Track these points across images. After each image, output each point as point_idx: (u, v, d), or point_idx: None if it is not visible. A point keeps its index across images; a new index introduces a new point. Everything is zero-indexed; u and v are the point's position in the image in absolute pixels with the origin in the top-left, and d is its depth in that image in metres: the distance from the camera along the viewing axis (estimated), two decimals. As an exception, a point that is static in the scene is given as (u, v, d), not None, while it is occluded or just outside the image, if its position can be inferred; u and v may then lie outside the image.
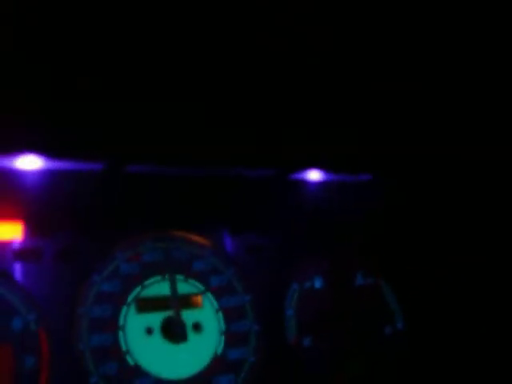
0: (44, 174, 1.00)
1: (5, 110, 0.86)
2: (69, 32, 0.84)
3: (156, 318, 1.07)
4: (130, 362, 1.02)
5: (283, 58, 0.98)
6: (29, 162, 0.96)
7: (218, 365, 1.08)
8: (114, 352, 1.03)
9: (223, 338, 1.10)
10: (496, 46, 0.98)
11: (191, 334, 1.08)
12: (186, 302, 1.09)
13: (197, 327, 1.09)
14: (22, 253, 1.02)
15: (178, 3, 0.85)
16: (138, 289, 1.08)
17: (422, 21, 0.94)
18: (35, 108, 0.88)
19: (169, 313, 1.08)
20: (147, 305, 1.07)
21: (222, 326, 1.11)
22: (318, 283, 1.21)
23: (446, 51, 0.98)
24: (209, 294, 1.12)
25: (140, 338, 1.05)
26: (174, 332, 1.06)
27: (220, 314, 1.12)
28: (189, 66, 0.94)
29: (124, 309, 1.06)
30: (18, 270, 1.01)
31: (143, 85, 0.94)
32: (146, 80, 0.94)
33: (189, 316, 1.09)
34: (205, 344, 1.09)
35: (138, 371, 1.02)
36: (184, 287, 1.10)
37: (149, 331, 1.06)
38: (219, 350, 1.09)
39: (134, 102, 0.94)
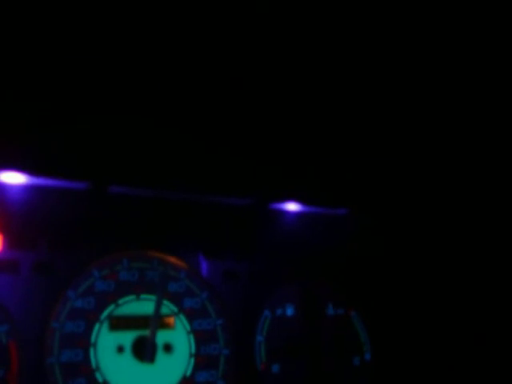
0: (26, 189, 1.01)
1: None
2: (59, 50, 0.86)
3: (128, 337, 1.08)
4: (99, 379, 1.03)
5: (269, 94, 1.01)
6: (12, 177, 0.98)
7: (187, 387, 1.09)
8: (84, 368, 1.03)
9: (193, 360, 1.11)
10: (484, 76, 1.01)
11: (161, 355, 1.09)
12: (158, 322, 1.10)
13: (167, 348, 1.10)
14: (-1, 264, 1.03)
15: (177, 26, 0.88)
16: (112, 307, 1.09)
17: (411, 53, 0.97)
18: (22, 125, 0.90)
19: (141, 332, 1.09)
20: (121, 323, 1.08)
21: (193, 348, 1.12)
22: (289, 311, 1.23)
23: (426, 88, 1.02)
24: (181, 316, 1.14)
25: (111, 355, 1.06)
26: (145, 352, 1.07)
27: (191, 336, 1.13)
28: (177, 94, 0.97)
29: (97, 326, 1.06)
30: (-7, 281, 1.02)
31: (130, 108, 0.96)
32: (132, 104, 0.96)
33: (160, 336, 1.10)
34: (174, 365, 1.10)
35: (106, 389, 1.03)
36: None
37: (120, 349, 1.07)
38: (188, 372, 1.10)
39: (120, 125, 0.96)
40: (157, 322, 1.08)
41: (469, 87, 1.03)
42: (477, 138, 1.08)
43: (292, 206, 1.17)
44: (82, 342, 1.05)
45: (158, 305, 1.09)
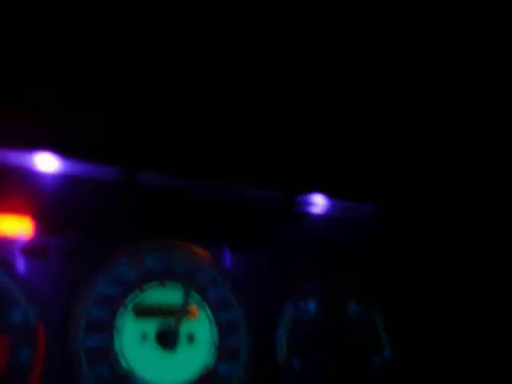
0: (59, 176, 1.04)
1: (29, 109, 0.90)
2: (90, 39, 0.88)
3: (152, 325, 1.09)
4: (123, 365, 1.04)
5: (292, 96, 1.03)
6: (46, 163, 1.00)
7: (208, 377, 1.10)
8: (108, 354, 1.04)
9: (215, 350, 1.12)
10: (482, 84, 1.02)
11: (184, 344, 1.10)
12: (184, 312, 1.11)
13: (190, 338, 1.11)
14: (29, 248, 1.05)
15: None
16: (137, 294, 1.10)
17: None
18: (59, 109, 0.92)
19: (165, 320, 1.10)
20: (146, 311, 1.09)
21: (215, 339, 1.13)
22: (311, 307, 1.23)
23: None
24: (205, 306, 1.15)
25: (134, 342, 1.07)
26: (169, 340, 1.08)
27: (214, 327, 1.14)
28: (209, 86, 0.99)
29: (121, 312, 1.08)
30: (23, 264, 1.04)
31: (163, 99, 0.98)
32: (165, 95, 0.98)
33: (184, 326, 1.11)
34: (197, 355, 1.11)
35: (129, 375, 1.04)
36: (181, 296, 1.12)
37: (143, 337, 1.08)
38: (210, 363, 1.11)
39: (154, 113, 0.98)
40: (183, 311, 1.09)
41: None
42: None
43: (319, 200, 1.17)
44: (107, 328, 1.06)
45: (186, 295, 1.10)
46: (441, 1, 0.91)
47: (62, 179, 1.03)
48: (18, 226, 1.04)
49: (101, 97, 0.91)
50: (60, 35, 0.86)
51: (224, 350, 1.13)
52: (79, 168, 1.01)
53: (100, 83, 0.90)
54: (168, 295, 1.12)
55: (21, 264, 1.04)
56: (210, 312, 1.15)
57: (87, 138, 0.93)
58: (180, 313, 1.10)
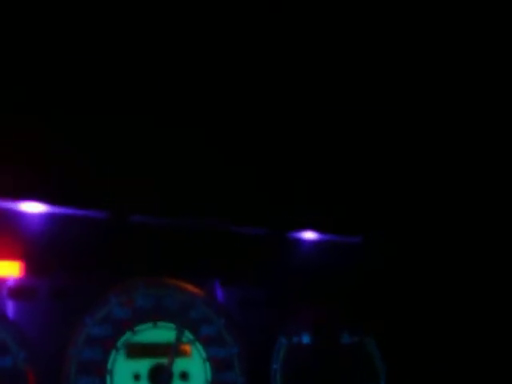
0: (46, 217, 1.02)
1: (12, 158, 0.89)
2: (72, 74, 0.87)
3: (144, 365, 1.08)
4: (116, 406, 1.03)
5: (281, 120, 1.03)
6: (34, 206, 0.99)
7: (203, 415, 1.08)
8: (101, 396, 1.03)
9: None
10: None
11: (178, 383, 1.09)
12: (176, 350, 1.10)
13: (184, 376, 1.10)
14: (18, 290, 1.03)
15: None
16: (129, 334, 1.09)
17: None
18: (41, 156, 0.91)
19: (157, 360, 1.08)
20: (138, 351, 1.08)
21: (209, 376, 1.12)
22: (305, 339, 1.22)
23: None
24: (197, 344, 1.13)
25: (127, 383, 1.05)
26: (162, 380, 1.07)
27: (207, 364, 1.12)
28: (193, 124, 0.99)
29: (113, 353, 1.06)
30: (12, 306, 1.02)
31: (148, 139, 0.98)
32: (150, 134, 0.98)
33: (177, 364, 1.09)
34: (191, 393, 1.09)
35: (123, 417, 1.02)
36: (174, 335, 1.11)
37: (136, 377, 1.06)
38: (205, 401, 1.10)
39: (138, 155, 0.98)
40: (176, 350, 1.08)
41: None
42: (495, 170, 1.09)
43: (308, 235, 1.17)
44: (99, 370, 1.04)
45: (179, 334, 1.08)
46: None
47: (49, 219, 1.02)
48: (5, 269, 1.03)
49: (87, 142, 0.90)
50: (49, 74, 0.86)
51: (218, 387, 1.12)
52: (68, 209, 1.00)
53: (86, 127, 0.89)
54: (160, 334, 1.11)
55: (9, 307, 1.02)
56: (203, 349, 1.13)
57: (74, 186, 0.93)
58: (173, 352, 1.08)
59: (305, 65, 0.96)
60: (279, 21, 0.89)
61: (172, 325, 1.12)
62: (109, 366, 1.05)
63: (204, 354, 1.13)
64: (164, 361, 1.08)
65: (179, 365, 1.10)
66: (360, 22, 0.92)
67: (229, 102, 0.98)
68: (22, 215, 0.99)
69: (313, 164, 1.08)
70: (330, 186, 1.12)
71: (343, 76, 0.96)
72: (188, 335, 1.13)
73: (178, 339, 1.09)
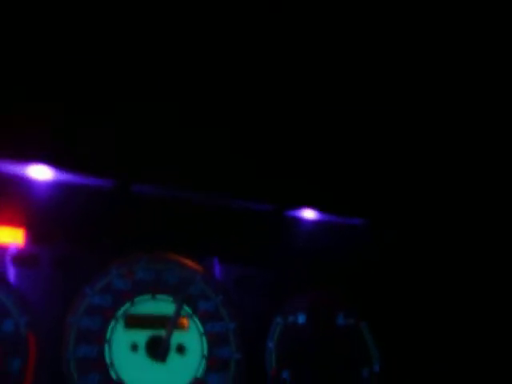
0: (51, 185, 1.04)
1: (23, 121, 0.91)
2: (87, 50, 0.89)
3: (142, 336, 1.09)
4: (113, 375, 1.04)
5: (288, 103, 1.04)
6: (39, 172, 1.01)
7: (198, 388, 1.10)
8: (98, 364, 1.05)
9: (205, 362, 1.12)
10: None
11: (174, 355, 1.11)
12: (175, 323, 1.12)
13: (180, 349, 1.12)
14: (20, 258, 1.05)
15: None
16: (128, 305, 1.11)
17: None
18: (51, 120, 0.93)
19: (155, 332, 1.10)
20: (137, 322, 1.10)
21: (205, 350, 1.13)
22: (301, 319, 1.24)
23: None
24: (195, 318, 1.15)
25: (125, 353, 1.07)
26: (159, 351, 1.09)
27: (204, 339, 1.14)
28: (201, 99, 1.00)
29: (112, 323, 1.08)
30: (14, 273, 1.04)
31: (155, 109, 1.00)
32: (158, 105, 0.99)
33: (174, 337, 1.11)
34: (186, 366, 1.11)
35: (119, 385, 1.04)
36: (172, 308, 1.13)
37: (134, 347, 1.08)
38: (199, 374, 1.11)
39: (147, 126, 1.00)
40: (174, 323, 1.10)
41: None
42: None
43: (309, 214, 1.19)
44: (98, 339, 1.06)
45: (179, 307, 1.10)
46: (441, 1, 0.92)
47: (54, 187, 1.04)
48: (9, 236, 1.05)
49: (95, 108, 0.92)
50: (57, 48, 0.88)
51: (214, 362, 1.14)
52: (72, 177, 1.02)
53: (95, 95, 0.91)
54: (159, 306, 1.13)
55: (12, 273, 1.04)
56: (200, 324, 1.15)
57: (81, 151, 0.94)
58: (171, 324, 1.10)
59: (316, 49, 0.98)
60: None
61: (170, 298, 1.14)
62: (107, 335, 1.07)
63: (201, 329, 1.15)
64: (161, 333, 1.10)
65: (176, 338, 1.12)
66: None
67: (234, 81, 0.99)
68: (26, 182, 1.00)
69: (318, 142, 1.10)
70: (335, 166, 1.13)
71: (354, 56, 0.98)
72: (186, 309, 1.15)
73: (178, 311, 1.10)
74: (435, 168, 1.14)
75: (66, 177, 1.01)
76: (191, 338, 1.14)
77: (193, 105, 0.98)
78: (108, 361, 1.05)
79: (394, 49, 0.98)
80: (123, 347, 1.07)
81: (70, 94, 0.90)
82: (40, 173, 1.00)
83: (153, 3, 0.85)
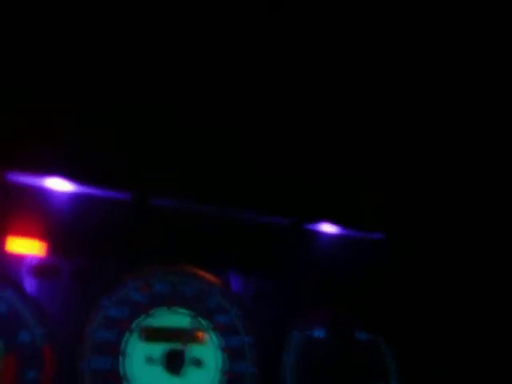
0: (71, 197, 1.05)
1: (40, 134, 0.91)
2: (105, 63, 0.90)
3: (158, 349, 1.09)
4: (129, 388, 1.04)
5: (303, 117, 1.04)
6: (58, 184, 1.01)
7: (214, 402, 1.10)
8: (114, 377, 1.04)
9: (221, 376, 1.12)
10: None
11: (191, 369, 1.10)
12: (191, 336, 1.11)
13: (197, 363, 1.11)
14: (39, 268, 1.05)
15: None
16: (144, 317, 1.10)
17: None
18: (72, 134, 0.94)
19: (171, 345, 1.10)
20: (153, 334, 1.09)
21: (222, 364, 1.13)
22: (318, 333, 1.23)
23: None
24: (212, 332, 1.14)
25: (140, 365, 1.07)
26: (176, 365, 1.08)
27: (221, 353, 1.13)
28: (218, 113, 1.00)
29: (128, 335, 1.08)
30: (32, 284, 1.04)
31: (174, 123, 1.00)
32: (178, 120, 0.99)
33: (191, 351, 1.11)
34: (203, 380, 1.10)
35: (135, 398, 1.04)
36: (188, 321, 1.12)
37: (149, 360, 1.08)
38: (216, 388, 1.11)
39: (166, 140, 1.00)
40: (190, 336, 1.09)
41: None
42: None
43: (327, 228, 1.18)
44: (114, 351, 1.06)
45: (194, 320, 1.10)
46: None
47: (74, 199, 1.04)
48: (28, 246, 1.05)
49: (114, 122, 0.92)
50: (76, 63, 0.88)
51: (230, 376, 1.13)
52: (92, 189, 1.02)
53: (113, 109, 0.91)
54: (175, 319, 1.12)
55: (30, 284, 1.04)
56: (217, 337, 1.14)
57: (100, 164, 0.95)
58: (187, 337, 1.09)
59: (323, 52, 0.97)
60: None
61: (187, 311, 1.13)
62: (122, 347, 1.07)
63: (217, 342, 1.14)
64: (177, 346, 1.10)
65: (193, 351, 1.11)
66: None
67: (248, 94, 0.99)
68: (46, 193, 1.01)
69: (338, 156, 1.09)
70: (355, 180, 1.12)
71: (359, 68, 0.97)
72: (203, 323, 1.14)
73: (193, 324, 1.10)
74: (454, 182, 1.12)
75: (85, 189, 1.01)
76: (208, 351, 1.13)
77: (212, 119, 0.98)
78: (123, 373, 1.05)
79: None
80: (139, 360, 1.07)
81: (88, 108, 0.90)
82: (59, 185, 1.01)
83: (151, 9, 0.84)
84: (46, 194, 1.01)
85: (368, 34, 0.92)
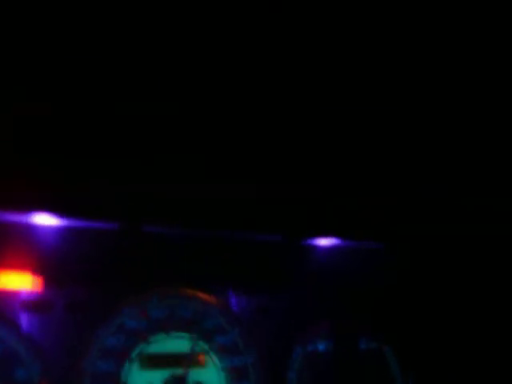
0: (58, 230, 1.02)
1: (20, 171, 0.89)
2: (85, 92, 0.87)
3: (159, 376, 1.07)
4: (131, 418, 1.02)
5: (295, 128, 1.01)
6: (44, 219, 0.99)
7: (218, 426, 1.08)
8: (116, 408, 1.02)
9: None
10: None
11: (193, 393, 1.08)
12: (192, 360, 1.09)
13: None
14: (31, 303, 1.03)
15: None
16: (143, 345, 1.08)
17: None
18: (50, 169, 0.91)
19: (172, 370, 1.07)
20: (152, 361, 1.07)
21: None
22: (321, 347, 1.21)
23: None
24: (212, 353, 1.12)
25: (142, 394, 1.05)
26: None
27: (222, 374, 1.11)
28: (206, 134, 0.98)
29: (127, 364, 1.06)
30: (26, 319, 1.02)
31: (159, 149, 0.97)
32: (160, 143, 0.97)
33: (192, 374, 1.08)
34: (206, 403, 1.08)
35: (138, 428, 1.02)
36: (188, 345, 1.10)
37: None
38: (220, 411, 1.09)
39: (150, 165, 0.97)
40: (190, 360, 1.07)
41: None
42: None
43: (326, 241, 1.16)
44: (114, 381, 1.04)
45: (193, 344, 1.08)
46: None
47: (62, 232, 1.02)
48: (19, 281, 1.03)
49: (97, 153, 0.90)
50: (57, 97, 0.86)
51: (234, 397, 1.11)
52: (80, 221, 1.00)
53: (96, 140, 0.89)
54: (174, 344, 1.10)
55: (23, 319, 1.02)
56: (217, 359, 1.12)
57: (85, 197, 0.92)
58: (187, 362, 1.07)
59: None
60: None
61: (186, 335, 1.11)
62: (123, 377, 1.04)
63: (219, 364, 1.12)
64: (179, 371, 1.07)
65: (194, 375, 1.09)
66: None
67: (244, 109, 0.97)
68: (34, 228, 0.99)
69: (331, 167, 1.07)
70: (350, 191, 1.10)
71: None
72: (203, 345, 1.12)
73: (192, 348, 1.08)
74: (453, 190, 1.10)
75: (72, 221, 0.98)
76: (210, 374, 1.11)
77: (200, 136, 0.95)
78: (125, 403, 1.03)
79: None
80: (140, 389, 1.05)
81: (71, 145, 0.87)
82: (45, 219, 0.98)
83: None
84: (32, 228, 0.99)
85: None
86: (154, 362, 1.07)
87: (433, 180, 1.08)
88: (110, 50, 0.85)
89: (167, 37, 0.85)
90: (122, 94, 0.90)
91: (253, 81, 0.94)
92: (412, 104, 1.01)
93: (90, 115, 0.90)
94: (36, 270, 1.04)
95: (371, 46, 0.94)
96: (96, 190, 0.92)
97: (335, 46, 0.93)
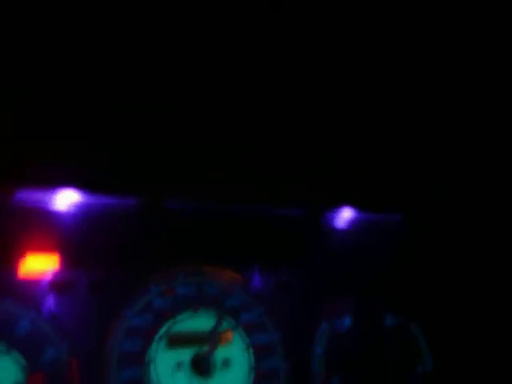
0: (81, 209, 1.02)
1: (45, 149, 0.88)
2: (107, 73, 0.86)
3: (186, 353, 1.07)
4: (159, 396, 1.02)
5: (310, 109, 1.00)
6: (67, 197, 0.98)
7: (247, 402, 1.08)
8: (144, 386, 1.03)
9: (252, 374, 1.10)
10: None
11: (220, 370, 1.08)
12: (218, 337, 1.09)
13: (226, 363, 1.09)
14: (57, 284, 1.03)
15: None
16: (170, 323, 1.08)
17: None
18: (74, 146, 0.91)
19: (199, 348, 1.07)
20: (179, 340, 1.07)
21: (252, 362, 1.11)
22: (347, 322, 1.20)
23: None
24: (239, 330, 1.12)
25: (169, 372, 1.05)
26: (204, 367, 1.06)
27: (250, 351, 1.11)
28: (226, 109, 0.97)
29: (154, 343, 1.06)
30: (52, 300, 1.02)
31: (180, 123, 0.96)
32: (183, 119, 0.96)
33: (219, 352, 1.08)
34: (234, 380, 1.08)
35: (166, 405, 1.02)
36: (214, 322, 1.10)
37: (178, 366, 1.06)
38: (248, 387, 1.09)
39: (171, 141, 0.96)
40: (217, 337, 1.07)
41: None
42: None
43: (345, 214, 1.15)
44: (141, 360, 1.04)
45: (219, 320, 1.07)
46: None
47: (85, 212, 1.01)
48: (44, 264, 1.03)
49: (121, 130, 0.89)
50: (82, 78, 0.85)
51: (261, 373, 1.11)
52: (102, 199, 0.99)
53: (118, 117, 0.88)
54: (201, 322, 1.10)
55: (50, 301, 1.02)
56: (244, 335, 1.12)
57: (109, 172, 0.92)
58: (214, 339, 1.07)
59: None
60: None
61: (213, 312, 1.11)
62: (151, 356, 1.04)
63: (246, 341, 1.12)
64: (205, 349, 1.07)
65: (221, 352, 1.09)
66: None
67: (259, 93, 0.96)
68: (56, 209, 0.98)
69: (348, 139, 1.06)
70: (367, 162, 1.09)
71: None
72: (229, 322, 1.12)
73: (219, 325, 1.07)
74: (471, 161, 1.08)
75: (93, 199, 0.98)
76: (236, 350, 1.11)
77: (218, 116, 0.94)
78: (153, 381, 1.03)
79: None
80: (167, 367, 1.05)
81: (92, 121, 0.87)
82: (69, 198, 0.98)
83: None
84: (55, 209, 0.98)
85: (368, 34, 0.89)
86: (181, 340, 1.07)
87: (450, 147, 1.07)
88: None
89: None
90: (144, 76, 0.89)
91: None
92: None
93: (111, 96, 0.89)
94: (60, 252, 1.04)
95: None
96: (118, 166, 0.91)
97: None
